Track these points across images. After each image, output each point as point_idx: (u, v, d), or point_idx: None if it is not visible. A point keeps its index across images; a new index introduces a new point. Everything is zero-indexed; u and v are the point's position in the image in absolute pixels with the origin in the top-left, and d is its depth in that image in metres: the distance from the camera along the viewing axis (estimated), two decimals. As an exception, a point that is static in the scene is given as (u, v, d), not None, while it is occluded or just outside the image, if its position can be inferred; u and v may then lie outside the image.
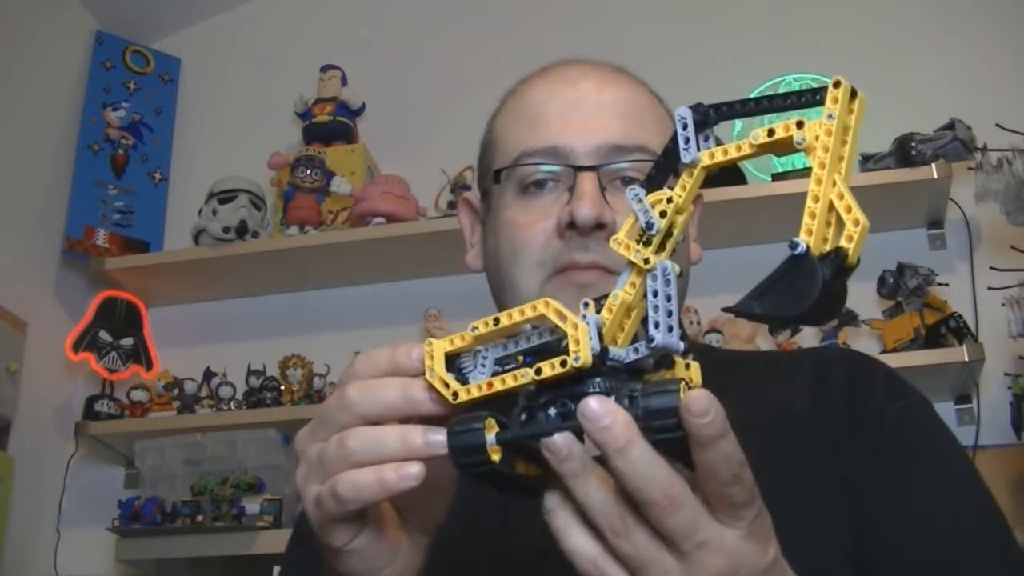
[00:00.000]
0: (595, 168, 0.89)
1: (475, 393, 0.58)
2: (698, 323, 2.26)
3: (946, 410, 2.19)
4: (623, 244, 0.57)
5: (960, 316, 2.12)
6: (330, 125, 2.69)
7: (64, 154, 2.72)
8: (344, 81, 2.76)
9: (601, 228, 0.87)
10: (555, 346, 0.56)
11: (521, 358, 0.58)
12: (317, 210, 2.56)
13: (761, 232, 2.33)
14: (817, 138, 0.53)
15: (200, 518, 2.21)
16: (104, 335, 2.54)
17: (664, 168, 0.58)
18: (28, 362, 2.45)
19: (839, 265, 0.50)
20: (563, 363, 0.54)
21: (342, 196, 2.52)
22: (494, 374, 0.58)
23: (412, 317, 2.46)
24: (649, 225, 0.56)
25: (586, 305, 0.57)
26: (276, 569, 2.07)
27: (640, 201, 0.56)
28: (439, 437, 0.59)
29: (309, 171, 2.54)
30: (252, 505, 2.24)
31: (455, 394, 0.58)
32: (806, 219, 0.52)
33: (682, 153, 0.56)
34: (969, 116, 2.21)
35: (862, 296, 2.21)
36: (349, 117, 2.72)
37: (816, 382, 0.89)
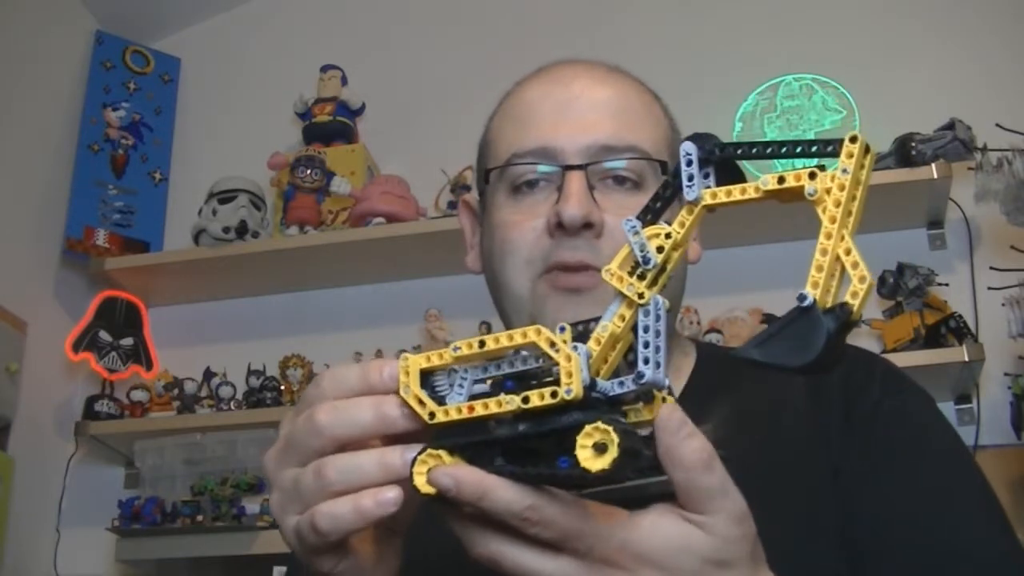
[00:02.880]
0: (583, 167, 0.89)
1: (454, 415, 0.56)
2: (698, 323, 2.26)
3: (946, 410, 2.17)
4: (616, 276, 0.56)
5: (960, 316, 2.12)
6: (330, 125, 2.69)
7: (64, 154, 2.72)
8: (344, 81, 2.76)
9: (589, 227, 0.87)
10: (535, 374, 0.55)
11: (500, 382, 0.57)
12: (317, 210, 2.56)
13: (761, 232, 2.34)
14: (829, 191, 0.52)
15: (200, 518, 2.22)
16: (104, 335, 2.54)
17: (662, 200, 0.58)
18: (28, 362, 2.45)
19: (844, 320, 0.50)
20: (553, 394, 0.53)
21: (342, 196, 2.52)
22: (472, 396, 0.57)
23: (412, 317, 2.46)
24: (646, 260, 0.55)
25: (562, 330, 0.55)
26: (276, 569, 2.07)
27: (637, 234, 0.56)
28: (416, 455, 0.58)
29: (309, 171, 2.54)
30: (252, 505, 2.24)
31: (432, 414, 0.57)
32: (813, 272, 0.52)
33: (685, 190, 0.56)
34: (969, 116, 2.21)
35: (862, 296, 2.20)
36: (349, 117, 2.72)
37: (814, 377, 0.89)
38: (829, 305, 0.51)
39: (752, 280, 2.29)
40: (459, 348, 0.57)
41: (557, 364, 0.54)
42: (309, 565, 0.62)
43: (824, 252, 0.52)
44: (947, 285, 2.20)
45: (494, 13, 2.85)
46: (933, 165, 2.16)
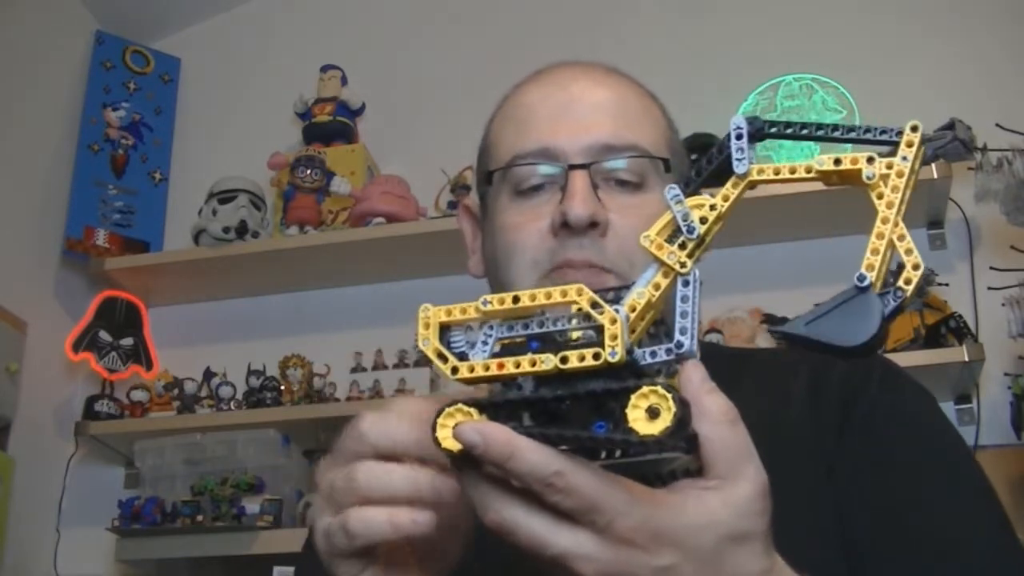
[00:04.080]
0: (586, 166, 0.89)
1: (480, 372, 0.54)
2: (698, 323, 2.26)
3: (946, 410, 2.16)
4: (655, 243, 0.55)
5: (960, 316, 2.12)
6: (330, 125, 2.69)
7: (64, 154, 2.72)
8: (344, 81, 2.77)
9: (594, 226, 0.87)
10: (556, 337, 0.54)
11: (523, 342, 0.54)
12: (317, 210, 2.56)
13: (761, 232, 2.34)
14: (885, 178, 0.52)
15: (200, 518, 2.21)
16: (104, 335, 2.54)
17: (705, 174, 0.57)
18: (28, 362, 2.45)
19: (898, 305, 0.51)
20: (596, 356, 0.51)
21: (342, 196, 2.52)
22: (493, 355, 0.55)
23: (412, 317, 2.44)
24: (690, 229, 0.54)
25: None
26: (276, 569, 2.07)
27: (680, 202, 0.55)
28: (451, 484, 0.58)
29: (309, 171, 2.54)
30: (252, 505, 2.24)
31: (454, 369, 0.55)
32: (869, 255, 0.52)
33: (735, 163, 0.55)
34: (969, 116, 2.21)
35: (862, 296, 2.20)
36: (349, 117, 2.72)
37: (815, 377, 0.89)
38: (882, 290, 0.51)
39: (752, 280, 2.29)
40: (489, 303, 0.55)
41: (590, 328, 0.52)
42: (331, 568, 0.62)
43: (880, 236, 0.52)
44: (947, 285, 2.20)
45: (494, 13, 2.85)
46: (933, 165, 2.16)
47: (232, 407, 2.43)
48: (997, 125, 2.15)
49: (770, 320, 2.22)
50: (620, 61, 1.01)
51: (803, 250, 2.36)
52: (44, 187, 2.66)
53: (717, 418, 0.54)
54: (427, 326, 0.56)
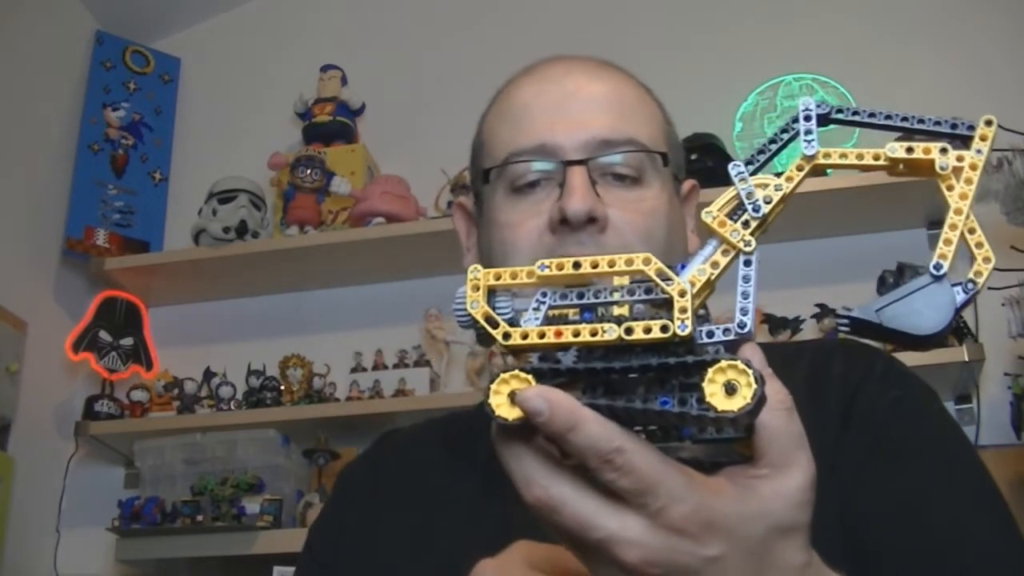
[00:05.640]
0: (584, 162, 0.88)
1: (534, 339, 0.51)
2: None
3: (946, 410, 2.19)
4: (718, 220, 0.53)
5: (960, 316, 2.12)
6: (330, 125, 2.70)
7: (64, 154, 2.72)
8: (344, 81, 2.77)
9: (593, 222, 0.86)
10: (600, 311, 0.52)
11: (576, 312, 0.52)
12: (317, 210, 2.56)
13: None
14: (959, 171, 0.53)
15: (200, 518, 2.21)
16: (104, 335, 2.54)
17: (771, 155, 0.56)
18: (28, 362, 2.45)
19: (971, 295, 0.51)
20: (664, 328, 0.49)
21: (342, 196, 2.52)
22: (547, 322, 0.52)
23: (412, 317, 2.46)
24: (756, 207, 0.53)
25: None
26: (276, 569, 2.07)
27: (744, 180, 0.54)
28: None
29: (309, 171, 2.54)
30: (252, 505, 2.24)
31: (506, 335, 0.52)
32: (942, 246, 0.52)
33: (804, 144, 0.54)
34: (969, 116, 2.21)
35: (862, 296, 2.20)
36: (349, 117, 2.72)
37: (815, 373, 0.88)
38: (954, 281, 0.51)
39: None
40: (547, 267, 0.52)
41: (640, 302, 0.51)
42: None
43: (953, 228, 0.53)
44: (947, 285, 2.20)
45: (494, 13, 2.85)
46: (933, 165, 2.16)
47: (232, 407, 2.43)
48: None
49: (768, 321, 2.22)
50: (620, 60, 1.01)
51: (803, 250, 2.35)
52: (44, 187, 2.66)
53: (774, 405, 0.53)
54: (476, 288, 0.53)
